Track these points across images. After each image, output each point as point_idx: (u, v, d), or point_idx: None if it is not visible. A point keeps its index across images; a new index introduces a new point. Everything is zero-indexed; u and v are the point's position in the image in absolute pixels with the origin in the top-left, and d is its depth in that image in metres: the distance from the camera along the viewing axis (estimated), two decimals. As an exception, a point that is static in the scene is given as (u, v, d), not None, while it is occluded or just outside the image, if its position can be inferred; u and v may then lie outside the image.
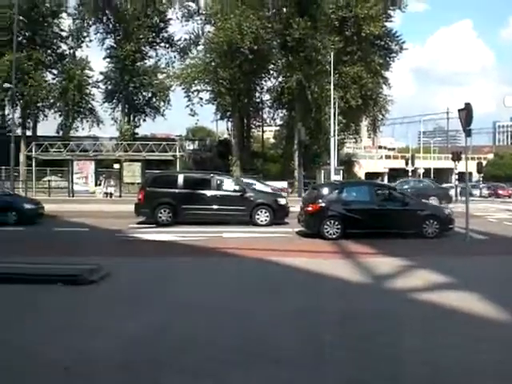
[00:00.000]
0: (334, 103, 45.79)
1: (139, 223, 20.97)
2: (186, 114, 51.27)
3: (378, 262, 11.51)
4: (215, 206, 20.42)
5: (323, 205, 17.17)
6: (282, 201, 21.55)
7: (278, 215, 20.68)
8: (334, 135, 46.13)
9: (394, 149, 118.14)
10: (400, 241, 15.89)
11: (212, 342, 5.88)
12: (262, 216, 20.40)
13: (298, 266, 10.83)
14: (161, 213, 20.46)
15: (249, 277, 9.91)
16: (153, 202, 20.60)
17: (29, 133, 58.53)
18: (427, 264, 11.07)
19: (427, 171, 70.12)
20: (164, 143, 42.83)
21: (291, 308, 7.46)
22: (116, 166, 43.39)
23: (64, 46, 60.20)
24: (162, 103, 60.40)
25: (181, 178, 21.43)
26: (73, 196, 37.45)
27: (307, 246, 14.54)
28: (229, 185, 21.43)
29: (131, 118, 60.80)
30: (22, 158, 50.90)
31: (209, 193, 20.70)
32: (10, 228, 19.58)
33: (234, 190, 21.03)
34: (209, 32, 51.02)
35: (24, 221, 20.55)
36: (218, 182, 21.22)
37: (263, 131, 71.07)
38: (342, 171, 46.35)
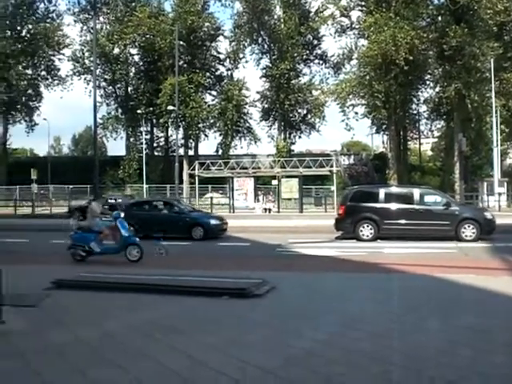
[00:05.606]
0: (496, 112, 43.55)
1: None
2: (340, 129, 51.71)
3: None
4: (418, 221, 19.56)
5: None
6: (489, 215, 20.42)
7: (485, 230, 19.52)
8: (497, 145, 43.82)
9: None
10: None
11: (378, 358, 5.64)
12: (468, 231, 19.41)
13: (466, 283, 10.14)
14: (363, 227, 20.21)
15: (410, 293, 9.48)
16: (354, 218, 20.35)
17: (191, 152, 61.74)
18: None
19: None
20: (320, 159, 42.93)
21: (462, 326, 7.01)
22: (274, 182, 44.25)
23: (222, 68, 63.43)
24: (317, 119, 61.15)
25: (382, 193, 20.69)
26: (233, 212, 38.53)
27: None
28: (433, 199, 20.71)
29: (287, 135, 62.06)
30: (185, 176, 53.65)
31: (411, 207, 19.99)
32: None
33: (438, 204, 20.23)
34: (362, 46, 50.83)
35: (209, 236, 21.44)
36: (421, 195, 20.49)
37: (420, 143, 69.49)
38: (506, 183, 43.96)
